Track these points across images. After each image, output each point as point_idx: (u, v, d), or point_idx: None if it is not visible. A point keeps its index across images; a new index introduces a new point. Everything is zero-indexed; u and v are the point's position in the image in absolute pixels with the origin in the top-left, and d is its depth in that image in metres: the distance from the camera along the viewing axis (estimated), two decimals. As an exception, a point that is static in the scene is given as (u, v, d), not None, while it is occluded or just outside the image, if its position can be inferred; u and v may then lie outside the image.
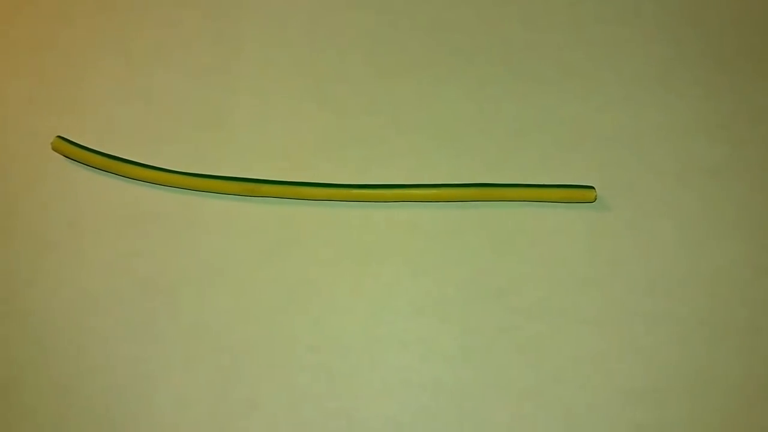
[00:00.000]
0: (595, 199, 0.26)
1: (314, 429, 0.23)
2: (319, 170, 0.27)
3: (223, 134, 0.28)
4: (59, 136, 0.27)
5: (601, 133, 0.28)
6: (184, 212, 0.26)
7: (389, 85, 0.29)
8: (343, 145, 0.28)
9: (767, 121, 0.29)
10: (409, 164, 0.27)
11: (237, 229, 0.26)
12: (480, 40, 0.30)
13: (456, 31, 0.30)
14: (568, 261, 0.26)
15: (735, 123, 0.29)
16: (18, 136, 0.27)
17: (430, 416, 0.23)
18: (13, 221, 0.26)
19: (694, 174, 0.28)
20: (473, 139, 0.28)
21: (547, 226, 0.27)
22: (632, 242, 0.26)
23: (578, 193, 0.26)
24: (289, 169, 0.27)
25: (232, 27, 0.29)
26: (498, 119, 0.28)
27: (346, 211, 0.27)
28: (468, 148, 0.28)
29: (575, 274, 0.26)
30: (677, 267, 0.26)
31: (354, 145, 0.28)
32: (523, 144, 0.28)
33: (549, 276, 0.26)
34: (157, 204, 0.26)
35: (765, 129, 0.28)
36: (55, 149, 0.27)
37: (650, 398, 0.24)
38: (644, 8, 0.31)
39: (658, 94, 0.29)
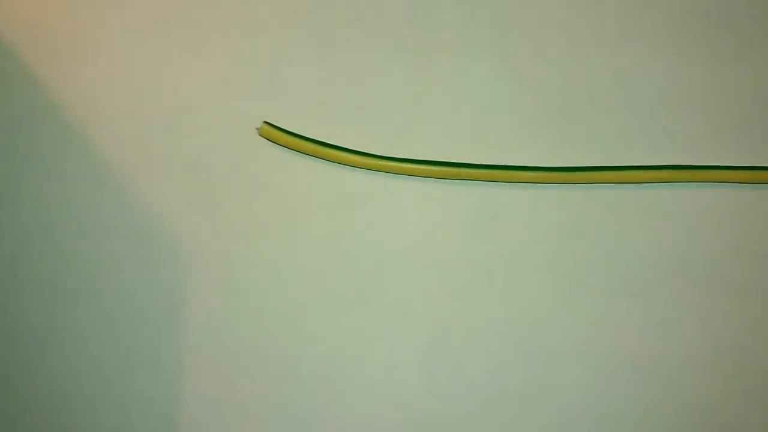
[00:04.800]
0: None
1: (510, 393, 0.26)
2: (516, 152, 0.28)
3: (421, 116, 0.28)
4: (267, 122, 0.27)
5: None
6: (388, 195, 0.28)
7: (589, 65, 0.28)
8: (541, 126, 0.28)
9: None
10: (607, 144, 0.28)
11: (437, 210, 0.28)
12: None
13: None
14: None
15: None
16: (219, 120, 0.28)
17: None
18: (223, 206, 0.28)
19: None
20: (670, 119, 0.28)
21: (740, 207, 0.27)
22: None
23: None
24: (485, 151, 0.28)
25: (431, 7, 0.28)
26: (696, 97, 0.28)
27: (543, 192, 0.28)
28: (664, 127, 0.28)
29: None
30: None
31: (551, 126, 0.28)
32: (718, 124, 0.28)
33: (748, 254, 0.27)
34: (363, 187, 0.27)
35: None
36: (263, 135, 0.27)
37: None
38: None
39: None
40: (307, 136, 0.27)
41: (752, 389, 0.26)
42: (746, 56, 0.28)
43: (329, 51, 0.28)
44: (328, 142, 0.27)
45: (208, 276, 0.27)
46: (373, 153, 0.27)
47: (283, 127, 0.27)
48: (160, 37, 0.29)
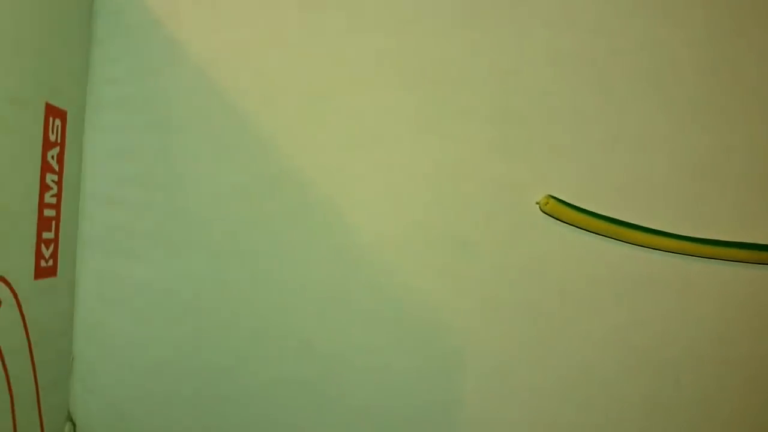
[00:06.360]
0: None
1: None
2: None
3: (716, 186, 0.25)
4: (552, 196, 0.24)
5: None
6: (683, 279, 0.24)
7: None
8: None
9: None
10: None
11: (745, 301, 0.24)
12: None
13: None
14: None
15: None
16: (487, 191, 0.25)
17: None
18: (498, 293, 0.25)
19: None
20: None
21: None
22: None
23: None
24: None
25: (730, 49, 0.25)
26: None
27: None
28: None
29: None
30: None
31: None
32: None
33: None
34: (657, 270, 0.24)
35: None
36: (546, 211, 0.24)
37: None
38: None
39: None
40: (598, 212, 0.24)
41: None
42: None
43: (612, 107, 0.25)
44: (621, 219, 0.24)
45: (483, 371, 0.24)
46: (671, 232, 0.24)
47: (568, 202, 0.24)
48: (407, 91, 0.26)
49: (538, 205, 0.25)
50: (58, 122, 0.24)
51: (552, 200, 0.24)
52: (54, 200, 0.23)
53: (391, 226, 0.25)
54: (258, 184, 0.25)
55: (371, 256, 0.25)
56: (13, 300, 0.20)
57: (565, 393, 0.24)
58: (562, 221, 0.24)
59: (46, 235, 0.23)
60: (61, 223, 0.24)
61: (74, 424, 0.25)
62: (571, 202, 0.24)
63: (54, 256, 0.23)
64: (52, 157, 0.23)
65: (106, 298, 0.25)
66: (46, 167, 0.23)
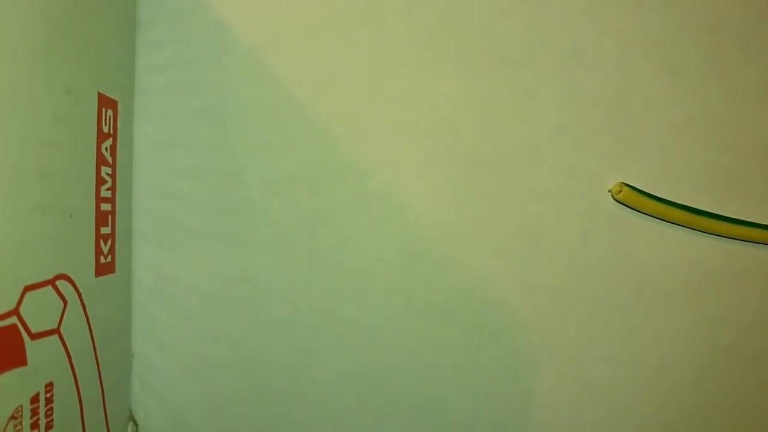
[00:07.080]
0: None
1: None
2: None
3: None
4: (624, 183, 0.23)
5: None
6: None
7: None
8: None
9: None
10: None
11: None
12: None
13: None
14: None
15: None
16: (556, 178, 0.24)
17: None
18: (568, 286, 0.24)
19: None
20: None
21: None
22: None
23: None
24: None
25: None
26: None
27: None
28: None
29: None
30: None
31: None
32: None
33: None
34: (739, 262, 0.23)
35: None
36: (619, 199, 0.23)
37: None
38: None
39: None
40: (674, 201, 0.23)
41: None
42: None
43: (681, 89, 0.24)
44: (699, 208, 0.23)
45: (556, 369, 0.23)
46: (754, 222, 0.23)
47: (643, 189, 0.23)
48: (466, 75, 0.24)
49: (610, 194, 0.24)
50: (110, 113, 0.23)
51: (626, 188, 0.23)
52: (109, 194, 0.23)
53: (454, 218, 0.24)
54: (315, 175, 0.25)
55: (435, 248, 0.24)
56: (77, 299, 0.20)
57: (644, 392, 0.23)
58: (636, 210, 0.23)
59: (104, 230, 0.22)
60: (116, 218, 0.23)
61: (136, 424, 0.24)
62: (645, 190, 0.23)
63: (111, 252, 0.22)
64: (106, 149, 0.22)
65: (160, 295, 0.25)
66: (101, 160, 0.22)
